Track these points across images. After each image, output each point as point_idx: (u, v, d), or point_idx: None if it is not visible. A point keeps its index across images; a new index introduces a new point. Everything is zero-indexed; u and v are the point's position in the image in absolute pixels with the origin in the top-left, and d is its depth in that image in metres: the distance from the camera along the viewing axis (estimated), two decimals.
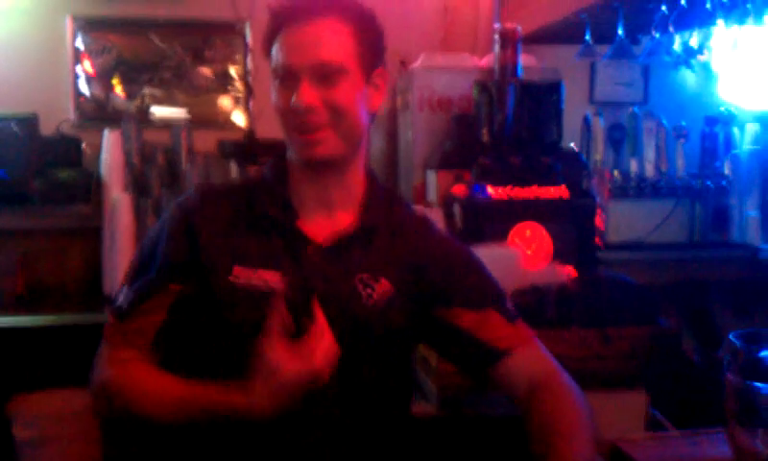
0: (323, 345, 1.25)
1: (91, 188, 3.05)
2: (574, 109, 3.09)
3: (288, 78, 1.31)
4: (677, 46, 2.87)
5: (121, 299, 1.37)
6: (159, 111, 3.31)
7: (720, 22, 2.61)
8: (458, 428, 2.00)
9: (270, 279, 1.32)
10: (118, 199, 2.98)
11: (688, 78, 3.54)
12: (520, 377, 1.39)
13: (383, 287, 1.37)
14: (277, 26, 1.33)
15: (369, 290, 1.36)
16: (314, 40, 1.30)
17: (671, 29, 2.57)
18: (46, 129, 3.08)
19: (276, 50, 1.33)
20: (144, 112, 3.28)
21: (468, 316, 1.41)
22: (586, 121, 3.41)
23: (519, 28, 2.38)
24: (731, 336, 1.25)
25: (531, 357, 1.41)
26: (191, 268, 1.34)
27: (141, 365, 1.34)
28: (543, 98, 2.44)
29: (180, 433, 1.37)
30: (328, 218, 1.39)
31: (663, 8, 2.50)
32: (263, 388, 1.23)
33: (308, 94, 1.29)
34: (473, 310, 1.41)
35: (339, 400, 1.34)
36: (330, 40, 1.31)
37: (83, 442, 2.66)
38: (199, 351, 1.37)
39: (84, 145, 3.15)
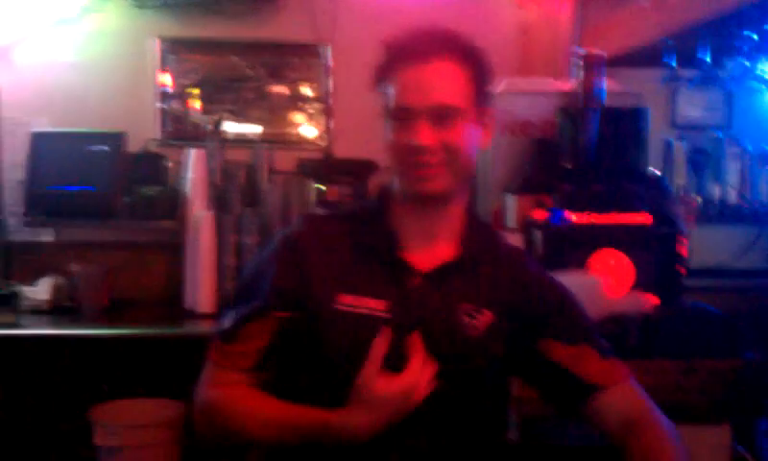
0: (423, 374, 1.28)
1: (175, 205, 3.12)
2: (655, 132, 3.04)
3: (405, 117, 1.34)
4: (766, 73, 2.80)
5: (227, 322, 1.41)
6: (235, 128, 3.38)
7: None
8: (539, 457, 1.99)
9: (374, 306, 1.35)
10: (200, 216, 3.05)
11: None
12: (613, 413, 1.39)
13: (486, 318, 1.40)
14: (394, 63, 1.36)
15: (473, 321, 1.39)
16: (432, 82, 1.33)
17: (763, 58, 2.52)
18: (132, 146, 3.18)
19: (391, 88, 1.36)
20: (221, 130, 3.35)
21: (563, 350, 1.42)
22: (667, 145, 3.35)
23: (605, 54, 2.35)
24: None
25: (625, 394, 1.42)
26: (297, 296, 1.37)
27: (243, 387, 1.37)
28: (627, 124, 2.41)
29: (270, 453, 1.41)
30: (430, 249, 1.41)
31: (755, 36, 2.45)
32: (360, 410, 1.27)
33: (426, 135, 1.32)
34: (569, 344, 1.43)
35: (430, 428, 1.35)
36: (448, 83, 1.34)
37: (160, 451, 2.73)
38: (300, 376, 1.40)
39: (168, 162, 3.23)
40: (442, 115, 1.33)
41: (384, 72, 1.37)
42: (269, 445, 1.36)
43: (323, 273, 1.38)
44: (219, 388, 1.38)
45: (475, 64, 1.38)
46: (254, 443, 1.38)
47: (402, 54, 1.35)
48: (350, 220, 1.46)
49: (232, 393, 1.36)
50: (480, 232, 1.47)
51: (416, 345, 1.30)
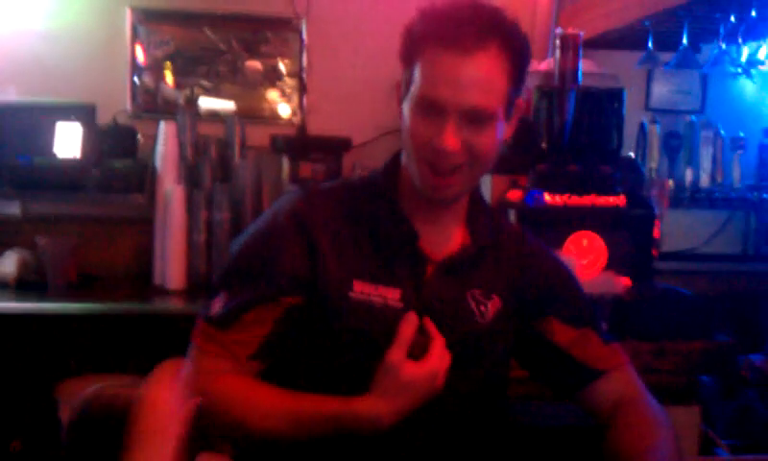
0: (444, 359, 1.26)
1: (146, 179, 3.07)
2: (630, 115, 3.05)
3: (432, 111, 1.22)
4: (743, 57, 2.81)
5: (219, 306, 1.30)
6: (208, 103, 3.32)
7: None
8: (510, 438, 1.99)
9: (389, 295, 1.30)
10: (171, 191, 3.00)
11: (747, 88, 3.47)
12: (608, 398, 1.38)
13: (495, 304, 1.37)
14: (428, 41, 1.22)
15: (482, 307, 1.35)
16: (471, 80, 1.20)
17: (740, 40, 2.52)
18: (103, 118, 3.12)
19: (420, 70, 1.23)
20: (193, 104, 3.29)
21: (565, 333, 1.40)
22: (642, 128, 3.36)
23: (581, 33, 2.34)
24: None
25: (623, 380, 1.41)
26: (309, 281, 1.29)
27: (244, 379, 1.28)
28: (604, 105, 2.40)
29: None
30: (440, 236, 1.36)
31: (732, 18, 2.45)
32: (386, 395, 1.22)
33: (453, 138, 1.21)
34: (572, 326, 1.40)
35: (438, 415, 1.32)
36: (487, 82, 1.21)
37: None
38: (301, 365, 1.33)
39: (138, 136, 3.17)
40: (473, 118, 1.22)
41: (414, 47, 1.24)
42: (281, 441, 1.27)
43: (336, 257, 1.30)
44: (217, 382, 1.27)
45: (518, 55, 1.25)
46: (269, 438, 1.27)
47: (441, 34, 1.21)
48: (360, 199, 1.36)
49: (236, 387, 1.27)
50: (484, 216, 1.41)
51: (434, 331, 1.26)
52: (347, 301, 1.28)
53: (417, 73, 1.23)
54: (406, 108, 1.27)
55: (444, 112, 1.21)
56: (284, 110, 3.37)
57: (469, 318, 1.34)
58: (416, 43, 1.24)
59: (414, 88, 1.24)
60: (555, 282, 1.43)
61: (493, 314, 1.36)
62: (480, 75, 1.20)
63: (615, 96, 2.41)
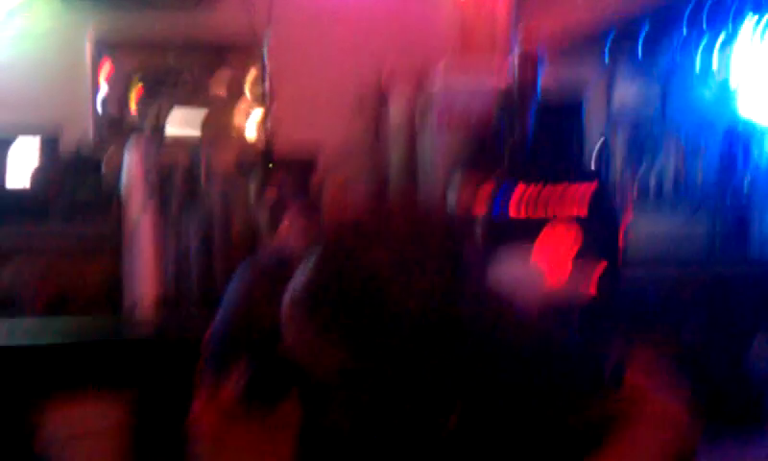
0: None
1: (111, 207, 3.05)
2: (592, 121, 3.08)
3: None
4: (696, 66, 2.86)
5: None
6: (173, 130, 3.32)
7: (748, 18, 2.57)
8: None
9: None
10: (138, 220, 2.99)
11: (707, 94, 3.52)
12: None
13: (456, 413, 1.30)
14: None
15: (441, 418, 1.28)
16: None
17: (704, 26, 2.52)
18: (66, 147, 3.10)
19: None
20: (159, 131, 3.29)
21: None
22: (605, 135, 3.39)
23: (540, 50, 2.38)
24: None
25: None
26: None
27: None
28: (564, 119, 2.44)
29: None
30: None
31: (684, 31, 2.49)
32: None
33: None
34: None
35: None
36: None
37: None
38: None
39: (103, 164, 3.16)
40: None
41: None
42: None
43: None
44: None
45: None
46: None
47: None
48: None
49: None
50: None
51: None
52: None
53: None
54: None
55: None
56: (249, 133, 3.37)
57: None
58: None
59: None
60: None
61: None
62: None
63: (575, 110, 2.45)
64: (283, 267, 1.25)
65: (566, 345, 1.46)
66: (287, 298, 1.16)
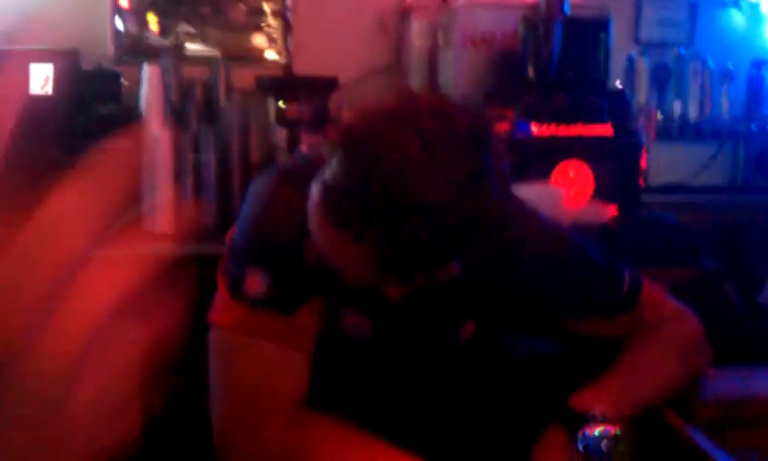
0: None
1: (131, 123, 3.04)
2: (618, 48, 3.03)
3: None
4: None
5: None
6: (191, 45, 3.29)
7: None
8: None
9: (359, 323, 1.28)
10: (157, 135, 2.98)
11: (736, 19, 3.44)
12: None
13: (467, 330, 1.34)
14: None
15: (453, 334, 1.32)
16: None
17: None
18: (86, 64, 3.08)
19: None
20: (179, 49, 3.25)
21: (574, 324, 1.41)
22: (630, 60, 3.34)
23: None
24: None
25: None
26: None
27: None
28: (591, 35, 2.39)
29: None
30: None
31: None
32: None
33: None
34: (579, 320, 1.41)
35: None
36: None
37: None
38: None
39: (122, 80, 3.14)
40: None
41: None
42: None
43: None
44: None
45: None
46: None
47: None
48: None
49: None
50: None
51: None
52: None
53: None
54: None
55: None
56: (270, 52, 3.34)
57: (442, 345, 1.32)
58: None
59: None
60: (546, 292, 1.39)
61: (465, 339, 1.33)
62: None
63: (602, 25, 2.40)
64: (306, 169, 1.24)
65: (587, 258, 1.46)
66: (314, 191, 1.14)
